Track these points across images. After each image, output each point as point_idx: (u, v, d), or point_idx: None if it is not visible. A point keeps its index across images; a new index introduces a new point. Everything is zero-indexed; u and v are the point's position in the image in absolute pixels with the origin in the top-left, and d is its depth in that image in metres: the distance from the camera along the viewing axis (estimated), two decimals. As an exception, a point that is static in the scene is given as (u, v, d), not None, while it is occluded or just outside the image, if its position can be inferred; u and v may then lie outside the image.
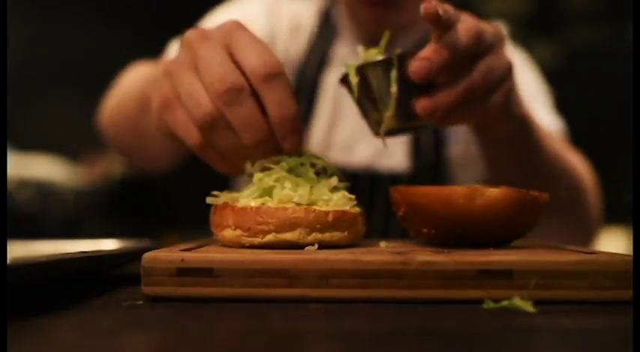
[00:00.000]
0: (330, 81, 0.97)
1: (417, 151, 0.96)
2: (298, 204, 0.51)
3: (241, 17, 0.57)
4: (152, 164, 1.06)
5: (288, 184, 0.51)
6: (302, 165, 0.54)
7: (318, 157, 0.55)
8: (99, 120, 1.01)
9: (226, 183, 0.82)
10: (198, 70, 0.51)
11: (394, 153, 0.96)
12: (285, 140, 0.51)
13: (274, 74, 0.50)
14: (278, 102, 0.50)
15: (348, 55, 0.96)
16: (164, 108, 0.53)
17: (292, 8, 1.02)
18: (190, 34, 0.53)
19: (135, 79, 0.91)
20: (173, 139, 0.56)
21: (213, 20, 0.94)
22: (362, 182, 0.95)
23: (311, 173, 0.53)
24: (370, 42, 0.80)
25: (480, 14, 0.60)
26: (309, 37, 1.00)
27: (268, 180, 0.52)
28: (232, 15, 0.84)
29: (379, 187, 0.95)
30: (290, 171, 0.53)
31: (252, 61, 0.50)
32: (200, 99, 0.50)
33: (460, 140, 0.96)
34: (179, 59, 0.53)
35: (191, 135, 0.52)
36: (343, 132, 0.97)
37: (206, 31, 0.53)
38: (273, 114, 0.50)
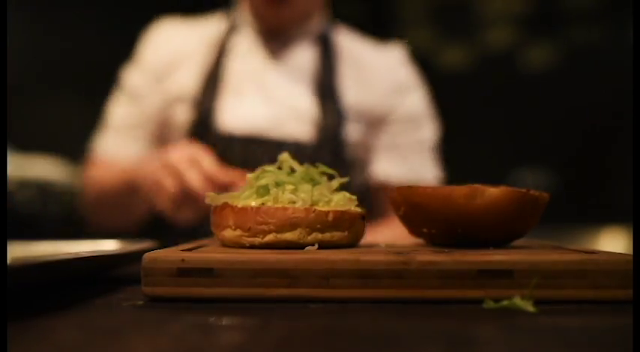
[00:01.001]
0: (231, 67, 1.16)
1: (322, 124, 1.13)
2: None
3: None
4: (123, 227, 1.31)
5: (289, 187, 0.52)
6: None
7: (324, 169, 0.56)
8: (82, 208, 1.33)
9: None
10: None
11: (290, 122, 1.12)
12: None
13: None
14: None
15: (248, 45, 1.17)
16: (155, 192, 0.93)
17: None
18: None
19: (111, 176, 1.19)
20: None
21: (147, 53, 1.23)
22: (260, 145, 1.13)
23: (318, 177, 0.54)
24: (268, 34, 1.17)
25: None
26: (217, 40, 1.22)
27: (263, 180, 0.52)
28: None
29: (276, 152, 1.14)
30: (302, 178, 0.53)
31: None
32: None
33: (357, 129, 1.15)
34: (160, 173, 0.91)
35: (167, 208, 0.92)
36: (244, 106, 1.14)
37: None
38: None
